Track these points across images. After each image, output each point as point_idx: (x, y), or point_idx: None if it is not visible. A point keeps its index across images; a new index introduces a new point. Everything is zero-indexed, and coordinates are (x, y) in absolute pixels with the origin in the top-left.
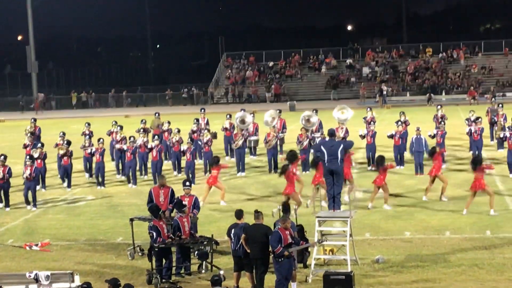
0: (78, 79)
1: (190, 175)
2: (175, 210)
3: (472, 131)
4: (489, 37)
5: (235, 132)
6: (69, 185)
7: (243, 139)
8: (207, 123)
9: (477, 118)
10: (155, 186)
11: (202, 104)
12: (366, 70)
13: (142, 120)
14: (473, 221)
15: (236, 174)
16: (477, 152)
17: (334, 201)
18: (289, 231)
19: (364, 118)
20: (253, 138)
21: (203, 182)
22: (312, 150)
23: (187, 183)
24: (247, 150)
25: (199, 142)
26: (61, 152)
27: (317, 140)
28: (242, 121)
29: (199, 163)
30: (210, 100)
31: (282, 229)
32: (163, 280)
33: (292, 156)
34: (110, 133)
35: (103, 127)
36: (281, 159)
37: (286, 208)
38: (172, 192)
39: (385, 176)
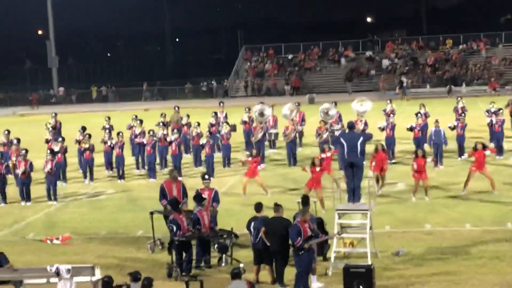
0: (98, 73)
1: (209, 168)
2: (194, 203)
3: (493, 122)
4: (510, 28)
5: (254, 125)
6: (91, 179)
7: (262, 132)
8: (226, 117)
9: (498, 110)
10: (166, 180)
11: (220, 98)
12: (386, 62)
13: (161, 114)
14: (494, 213)
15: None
16: (495, 143)
17: (354, 194)
18: (309, 224)
19: (384, 110)
20: (273, 131)
21: (222, 175)
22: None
23: (206, 177)
24: (266, 143)
25: (218, 135)
26: (85, 146)
27: (337, 132)
28: (261, 114)
29: (217, 156)
30: (229, 93)
31: (301, 222)
32: (183, 274)
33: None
34: (130, 127)
35: (123, 121)
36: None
37: (305, 201)
38: (184, 186)
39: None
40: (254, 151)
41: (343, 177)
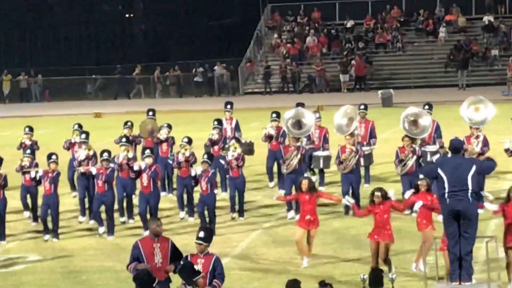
0: (12, 52)
1: (208, 219)
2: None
3: None
4: None
5: (286, 143)
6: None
7: (299, 156)
8: (237, 128)
9: None
10: (143, 238)
11: (227, 95)
12: None
13: (125, 123)
14: None
15: (287, 217)
16: None
17: (460, 267)
18: None
19: None
20: (320, 153)
21: (230, 231)
22: (420, 175)
23: (202, 234)
24: (308, 173)
25: (222, 162)
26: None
27: (430, 156)
28: (298, 125)
29: (222, 197)
30: (241, 87)
31: None
32: None
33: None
34: (69, 146)
35: (58, 134)
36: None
37: (376, 277)
38: (174, 245)
39: None
40: (312, 177)
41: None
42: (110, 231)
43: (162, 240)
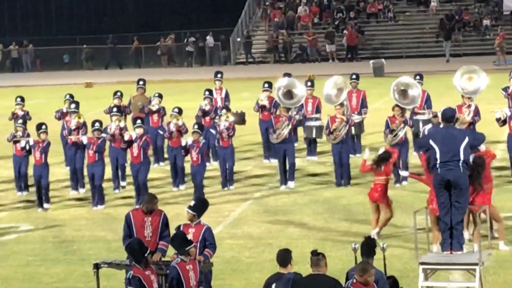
0: (3, 21)
1: (197, 188)
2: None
3: None
4: None
5: (277, 113)
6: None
7: (290, 127)
8: (227, 98)
9: None
10: (135, 209)
11: (219, 65)
12: (509, 5)
13: (115, 93)
14: None
15: (279, 188)
16: None
17: (451, 235)
18: None
19: (505, 89)
20: (313, 123)
21: (221, 201)
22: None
23: (192, 203)
24: (298, 144)
25: (213, 131)
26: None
27: (423, 125)
28: (288, 95)
29: (212, 168)
30: (233, 57)
31: (358, 285)
32: None
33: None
34: (60, 116)
35: (49, 104)
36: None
37: (369, 246)
38: (165, 220)
39: None
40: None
41: (429, 206)
42: (101, 200)
43: (155, 213)
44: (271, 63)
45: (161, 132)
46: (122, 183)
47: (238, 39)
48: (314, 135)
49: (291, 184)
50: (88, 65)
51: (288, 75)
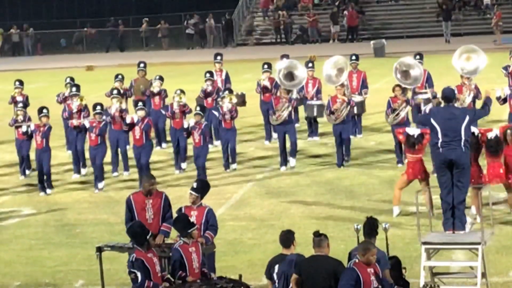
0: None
1: (200, 170)
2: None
3: None
4: None
5: (277, 94)
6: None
7: (290, 109)
8: (227, 80)
9: None
10: (136, 192)
11: (219, 47)
12: None
13: (116, 76)
14: None
15: (280, 169)
16: None
17: (453, 215)
18: (374, 268)
19: (505, 68)
20: (314, 102)
21: (223, 182)
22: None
23: (195, 185)
24: (298, 125)
25: (215, 113)
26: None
27: (424, 104)
28: (289, 76)
29: (215, 149)
30: (235, 38)
31: (360, 265)
32: None
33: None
34: (62, 99)
35: (50, 88)
36: None
37: (371, 226)
38: (167, 202)
39: None
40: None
41: (423, 187)
42: (100, 177)
43: (155, 195)
44: (272, 45)
45: (163, 112)
46: (125, 173)
47: (239, 21)
48: (315, 114)
49: (292, 162)
50: (75, 49)
51: (286, 56)
